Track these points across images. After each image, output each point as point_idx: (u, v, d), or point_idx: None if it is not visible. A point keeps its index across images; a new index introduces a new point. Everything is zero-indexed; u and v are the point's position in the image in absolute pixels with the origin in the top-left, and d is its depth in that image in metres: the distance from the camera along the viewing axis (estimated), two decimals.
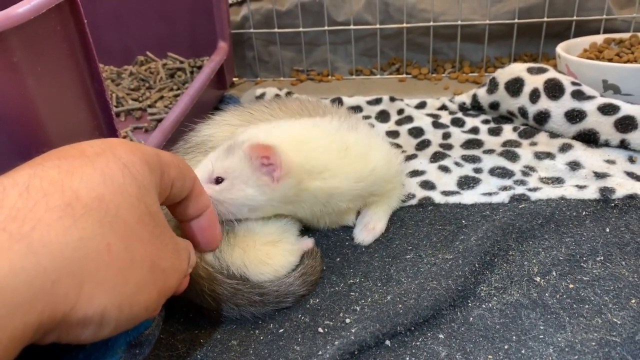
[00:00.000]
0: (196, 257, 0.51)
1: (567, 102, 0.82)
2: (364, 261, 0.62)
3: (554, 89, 0.83)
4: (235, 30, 1.26)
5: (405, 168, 0.80)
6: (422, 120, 0.96)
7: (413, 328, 0.52)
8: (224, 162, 0.55)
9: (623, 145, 0.77)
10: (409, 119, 0.97)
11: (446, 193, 0.73)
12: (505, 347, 0.49)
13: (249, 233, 0.58)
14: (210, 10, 1.10)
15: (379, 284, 0.58)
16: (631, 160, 0.76)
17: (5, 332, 0.26)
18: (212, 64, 1.03)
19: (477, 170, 0.78)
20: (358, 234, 0.66)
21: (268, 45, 1.31)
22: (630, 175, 0.73)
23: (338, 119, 0.64)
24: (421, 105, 1.03)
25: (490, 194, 0.71)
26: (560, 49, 0.99)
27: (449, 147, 0.86)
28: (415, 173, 0.79)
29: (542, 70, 0.88)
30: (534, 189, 0.71)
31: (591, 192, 0.68)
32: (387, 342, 0.51)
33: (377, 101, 1.03)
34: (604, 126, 0.78)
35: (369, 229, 0.66)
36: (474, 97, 0.97)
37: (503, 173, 0.76)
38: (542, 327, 0.50)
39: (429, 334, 0.51)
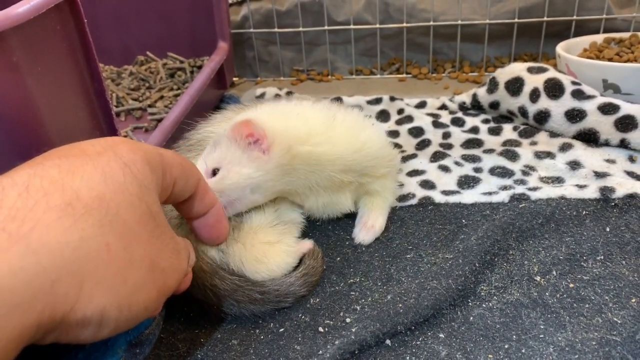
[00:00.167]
0: (200, 251, 0.51)
1: (567, 102, 0.82)
2: (364, 261, 0.62)
3: (554, 89, 0.83)
4: (235, 30, 1.26)
5: (405, 167, 0.80)
6: (422, 119, 0.96)
7: (413, 327, 0.52)
8: (214, 154, 0.57)
9: (623, 144, 0.77)
10: (409, 118, 0.97)
11: (446, 192, 0.73)
12: (506, 346, 0.49)
13: (249, 231, 0.58)
14: (210, 10, 1.10)
15: (379, 284, 0.58)
16: (631, 159, 0.76)
17: (5, 332, 0.26)
18: (212, 64, 1.03)
19: (477, 170, 0.78)
20: (358, 234, 0.66)
21: (268, 45, 1.31)
22: (631, 174, 0.73)
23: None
24: (421, 105, 1.03)
25: (490, 193, 0.71)
26: (560, 48, 0.99)
27: (449, 146, 0.86)
28: (415, 173, 0.79)
29: (542, 70, 0.88)
30: (534, 189, 0.71)
31: (591, 192, 0.68)
32: (388, 342, 0.51)
33: (377, 101, 1.04)
34: (604, 126, 0.78)
35: (368, 227, 0.66)
36: (474, 96, 0.97)
37: (503, 172, 0.76)
38: (542, 327, 0.50)
39: (429, 334, 0.51)
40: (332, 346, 0.49)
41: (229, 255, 0.56)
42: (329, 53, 1.27)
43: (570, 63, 0.94)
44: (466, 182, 0.75)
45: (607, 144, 0.78)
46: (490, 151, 0.82)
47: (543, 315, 0.52)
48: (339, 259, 0.63)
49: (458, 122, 0.94)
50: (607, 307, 0.52)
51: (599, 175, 0.72)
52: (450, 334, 0.51)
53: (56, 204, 0.30)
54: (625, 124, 0.76)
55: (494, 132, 0.89)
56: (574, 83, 0.83)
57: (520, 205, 0.67)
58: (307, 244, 0.62)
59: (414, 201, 0.72)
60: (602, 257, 0.58)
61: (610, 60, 0.95)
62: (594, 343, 0.48)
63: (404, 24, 1.18)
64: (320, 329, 0.53)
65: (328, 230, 0.69)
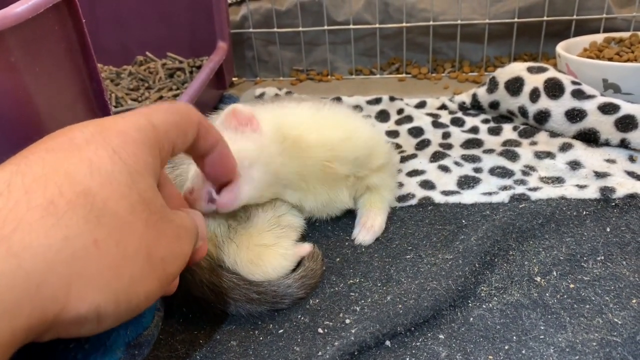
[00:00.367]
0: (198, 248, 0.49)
1: (567, 102, 0.82)
2: (364, 261, 0.62)
3: (554, 88, 0.83)
4: (234, 30, 1.26)
5: (405, 168, 0.80)
6: (421, 119, 0.96)
7: (413, 328, 0.52)
8: None
9: (623, 144, 0.77)
10: (409, 118, 0.97)
11: (446, 193, 0.73)
12: (506, 347, 0.49)
13: (245, 232, 0.58)
14: (209, 10, 1.10)
15: (379, 284, 0.58)
16: (631, 159, 0.76)
17: None
18: (212, 64, 1.03)
19: (477, 170, 0.77)
20: (358, 234, 0.66)
21: (267, 45, 1.31)
22: (631, 174, 0.73)
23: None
24: (421, 105, 1.03)
25: (490, 193, 0.71)
26: (560, 48, 0.99)
27: (449, 146, 0.86)
28: (415, 173, 0.79)
29: (542, 70, 0.87)
30: (534, 189, 0.71)
31: (591, 192, 0.68)
32: (387, 343, 0.50)
33: (377, 101, 1.03)
34: (604, 125, 0.78)
35: (368, 227, 0.66)
36: (474, 96, 0.97)
37: (503, 173, 0.76)
38: (542, 327, 0.50)
39: (429, 335, 0.51)
40: (331, 347, 0.49)
41: (225, 255, 0.56)
42: (328, 53, 1.27)
43: (570, 63, 0.94)
44: (466, 182, 0.75)
45: (607, 143, 0.78)
46: (490, 151, 0.82)
47: (543, 316, 0.52)
48: (338, 259, 0.63)
49: (458, 122, 0.94)
50: (608, 308, 0.52)
51: (599, 175, 0.72)
52: (450, 334, 0.51)
53: (38, 203, 0.29)
54: (626, 123, 0.76)
55: (494, 132, 0.89)
56: (574, 83, 0.83)
57: (520, 206, 0.67)
58: (306, 247, 0.62)
59: (413, 201, 0.72)
60: (602, 258, 0.58)
61: (610, 59, 0.95)
62: (594, 344, 0.48)
63: (404, 24, 1.18)
64: (320, 330, 0.53)
65: (327, 231, 0.69)
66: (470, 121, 0.94)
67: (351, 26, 1.21)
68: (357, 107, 1.02)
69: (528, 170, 0.76)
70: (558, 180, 0.73)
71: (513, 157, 0.79)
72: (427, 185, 0.75)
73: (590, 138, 0.79)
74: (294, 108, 0.65)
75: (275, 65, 1.31)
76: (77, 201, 0.30)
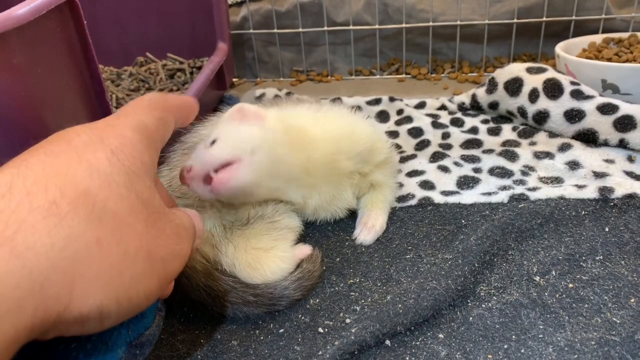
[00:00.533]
0: (196, 247, 0.50)
1: (566, 102, 0.82)
2: (364, 261, 0.63)
3: (553, 89, 0.83)
4: (234, 30, 1.26)
5: (405, 168, 0.80)
6: (421, 120, 0.96)
7: (413, 328, 0.52)
8: (213, 132, 0.57)
9: (622, 144, 0.77)
10: (409, 119, 0.97)
11: (446, 193, 0.73)
12: (505, 346, 0.49)
13: (241, 234, 0.58)
14: (209, 11, 1.10)
15: (379, 284, 0.59)
16: (630, 159, 0.76)
17: None
18: (212, 65, 1.03)
19: (477, 170, 0.78)
20: (359, 234, 0.66)
21: (268, 46, 1.31)
22: (629, 174, 0.73)
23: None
24: (420, 105, 1.03)
25: (489, 193, 0.72)
26: (560, 48, 1.00)
27: (449, 147, 0.86)
28: (414, 173, 0.79)
29: (541, 70, 0.88)
30: (534, 189, 0.71)
31: (590, 192, 0.68)
32: (387, 342, 0.51)
33: (377, 101, 1.04)
34: (603, 126, 0.78)
35: (369, 227, 0.66)
36: (473, 97, 0.97)
37: (502, 173, 0.76)
38: (541, 327, 0.51)
39: (428, 334, 0.51)
40: (331, 347, 0.49)
41: (223, 255, 0.56)
42: (328, 54, 1.28)
43: (569, 63, 0.95)
44: (465, 183, 0.75)
45: (606, 144, 0.78)
46: (489, 151, 0.82)
47: (542, 315, 0.52)
48: (338, 259, 0.64)
49: (457, 123, 0.94)
50: (606, 307, 0.52)
51: (598, 175, 0.72)
52: (449, 334, 0.51)
53: (40, 204, 0.29)
54: (624, 124, 0.76)
55: (493, 132, 0.90)
56: (573, 83, 0.83)
57: (520, 206, 0.67)
58: (305, 249, 0.62)
59: (413, 202, 0.72)
60: (601, 257, 0.58)
61: (609, 60, 0.95)
62: (593, 343, 0.48)
63: (404, 25, 1.19)
64: (320, 330, 0.53)
65: (328, 231, 0.69)
66: (470, 121, 0.94)
67: (351, 27, 1.21)
68: (357, 108, 1.02)
69: (527, 170, 0.76)
70: (557, 180, 0.73)
71: (512, 157, 0.79)
72: (427, 185, 0.75)
73: (589, 138, 0.80)
74: (295, 109, 0.66)
75: (275, 66, 1.31)
76: (79, 201, 0.31)
